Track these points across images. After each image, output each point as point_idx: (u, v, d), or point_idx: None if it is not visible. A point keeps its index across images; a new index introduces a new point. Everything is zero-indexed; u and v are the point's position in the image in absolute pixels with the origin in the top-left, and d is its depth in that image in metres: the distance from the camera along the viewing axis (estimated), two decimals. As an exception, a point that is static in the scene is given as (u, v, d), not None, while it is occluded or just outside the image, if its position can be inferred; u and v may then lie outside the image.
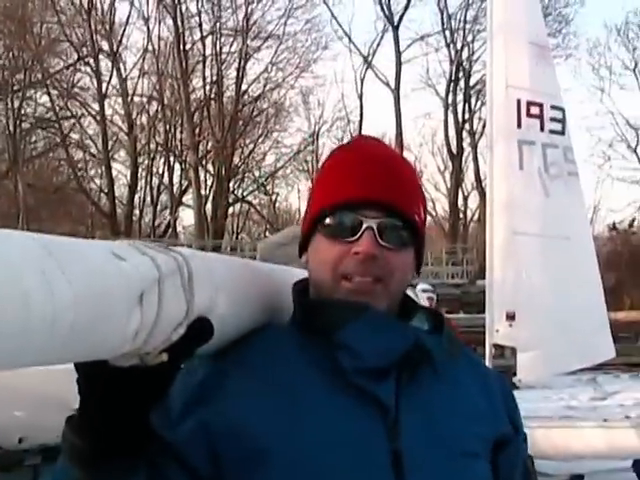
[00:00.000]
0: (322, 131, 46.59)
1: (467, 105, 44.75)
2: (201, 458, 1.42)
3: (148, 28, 42.71)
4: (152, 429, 1.32)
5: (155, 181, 45.37)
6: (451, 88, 44.61)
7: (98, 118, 41.75)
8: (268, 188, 47.89)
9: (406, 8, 43.91)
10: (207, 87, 43.19)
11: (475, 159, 43.31)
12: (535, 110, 9.91)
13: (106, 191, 42.70)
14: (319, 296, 1.57)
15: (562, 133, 10.12)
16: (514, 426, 1.66)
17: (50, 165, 44.29)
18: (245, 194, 46.76)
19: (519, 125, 9.84)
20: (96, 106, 42.05)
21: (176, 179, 44.47)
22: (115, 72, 42.22)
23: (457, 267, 37.59)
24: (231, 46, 43.39)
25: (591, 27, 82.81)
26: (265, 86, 44.12)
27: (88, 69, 42.55)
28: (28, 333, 0.93)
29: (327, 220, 1.55)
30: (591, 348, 9.76)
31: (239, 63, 42.93)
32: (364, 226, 1.51)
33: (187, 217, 46.62)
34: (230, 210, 45.60)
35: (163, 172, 44.89)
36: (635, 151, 45.32)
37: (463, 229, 46.38)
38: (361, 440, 1.44)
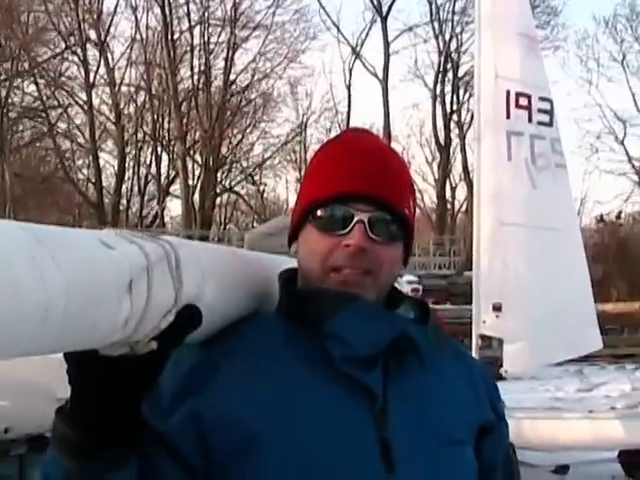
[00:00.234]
0: (310, 122, 46.56)
1: (455, 96, 44.77)
2: (192, 448, 1.42)
3: (136, 17, 42.58)
4: (143, 419, 1.32)
5: (143, 171, 45.27)
6: (439, 79, 44.59)
7: (85, 108, 41.57)
8: (256, 178, 47.87)
9: (394, -1, 43.90)
10: (195, 77, 43.02)
11: (463, 150, 43.38)
12: (524, 101, 9.93)
13: (93, 181, 42.55)
14: (307, 286, 1.58)
15: (550, 125, 10.14)
16: (497, 414, 1.68)
17: (37, 155, 44.13)
18: (233, 184, 46.69)
19: (508, 116, 9.85)
20: (83, 95, 41.90)
21: (164, 169, 44.42)
22: (103, 61, 42.04)
23: (444, 258, 37.64)
24: (219, 36, 43.28)
25: (579, 19, 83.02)
26: (253, 76, 44.01)
27: (75, 58, 42.33)
28: (21, 321, 0.94)
29: (318, 212, 1.57)
30: (578, 339, 9.80)
31: (227, 53, 42.83)
32: (355, 219, 1.53)
33: (175, 207, 46.50)
34: (218, 200, 45.52)
35: (151, 162, 44.81)
36: (622, 143, 45.46)
37: (451, 220, 46.42)
38: (350, 429, 1.45)
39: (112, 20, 42.53)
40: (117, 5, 42.37)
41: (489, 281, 9.81)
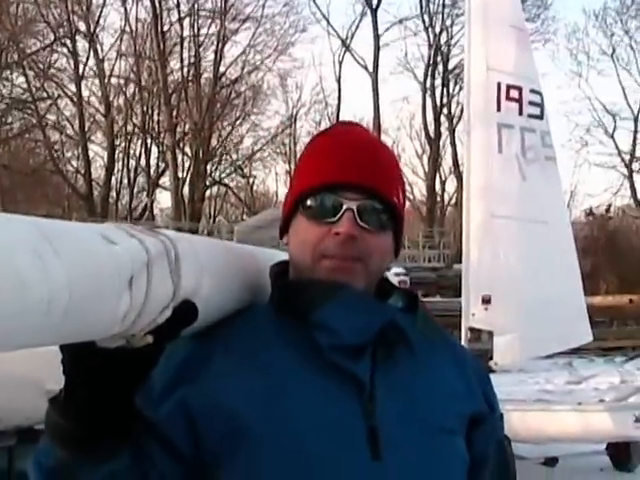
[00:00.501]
0: (300, 114, 46.64)
1: (445, 89, 44.82)
2: (182, 437, 1.44)
3: (125, 9, 42.53)
4: (136, 410, 1.33)
5: (132, 163, 45.23)
6: (429, 72, 44.62)
7: (75, 99, 41.46)
8: (245, 171, 47.89)
9: (385, -9, 43.88)
10: (185, 69, 42.97)
11: (453, 143, 43.40)
12: (514, 94, 9.93)
13: (83, 173, 42.46)
14: (299, 277, 1.60)
15: (540, 117, 10.15)
16: (489, 405, 1.68)
17: (26, 146, 43.96)
18: (222, 177, 46.71)
19: (499, 108, 9.85)
20: (73, 87, 41.77)
21: (153, 161, 44.38)
22: (92, 53, 41.98)
23: (434, 251, 37.73)
24: (209, 28, 43.23)
25: (570, 12, 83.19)
26: (243, 69, 44.02)
27: (65, 50, 42.24)
28: (24, 314, 0.95)
29: (308, 202, 1.58)
30: (568, 332, 9.83)
31: (217, 45, 42.77)
32: (344, 207, 1.54)
33: (164, 199, 46.60)
34: (207, 193, 45.53)
35: (140, 154, 44.74)
36: (612, 137, 45.60)
37: (440, 213, 46.51)
38: (337, 418, 1.46)
39: (101, 12, 42.51)
40: (107, -4, 42.24)
41: (478, 274, 9.83)
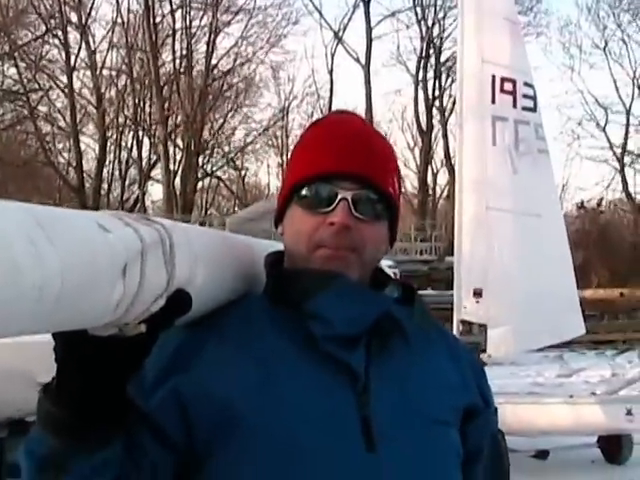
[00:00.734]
0: (292, 106, 46.61)
1: (437, 82, 44.82)
2: (174, 426, 1.43)
3: (117, 1, 42.36)
4: (129, 399, 1.32)
5: (124, 155, 45.16)
6: (421, 65, 44.64)
7: (66, 91, 41.36)
8: (237, 163, 47.85)
9: (378, -16, 43.87)
10: (177, 61, 42.90)
11: (445, 136, 43.42)
12: (509, 86, 9.95)
13: (74, 165, 42.38)
14: (293, 266, 1.59)
15: (534, 110, 10.17)
16: (484, 399, 1.68)
17: (18, 138, 43.86)
18: (214, 169, 46.66)
19: (493, 101, 9.86)
20: (64, 79, 41.66)
21: (145, 153, 44.30)
22: (84, 45, 41.86)
23: (426, 243, 37.76)
24: (201, 20, 43.14)
25: (562, 5, 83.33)
26: (235, 61, 43.95)
27: (56, 41, 42.13)
28: (15, 301, 0.94)
29: (303, 191, 1.58)
30: (561, 325, 9.86)
31: (209, 37, 42.71)
32: (339, 197, 1.54)
33: (156, 192, 46.58)
34: (199, 185, 45.49)
35: (132, 146, 44.67)
36: (604, 130, 45.65)
37: (432, 206, 46.55)
38: (331, 408, 1.46)
39: (93, 3, 42.42)
40: (98, -13, 42.16)
41: (470, 267, 9.85)
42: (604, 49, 45.65)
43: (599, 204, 46.43)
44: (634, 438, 10.12)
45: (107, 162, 43.63)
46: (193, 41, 43.09)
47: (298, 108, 47.30)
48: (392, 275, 1.76)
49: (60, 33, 41.49)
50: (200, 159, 43.88)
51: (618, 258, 40.78)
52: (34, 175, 41.45)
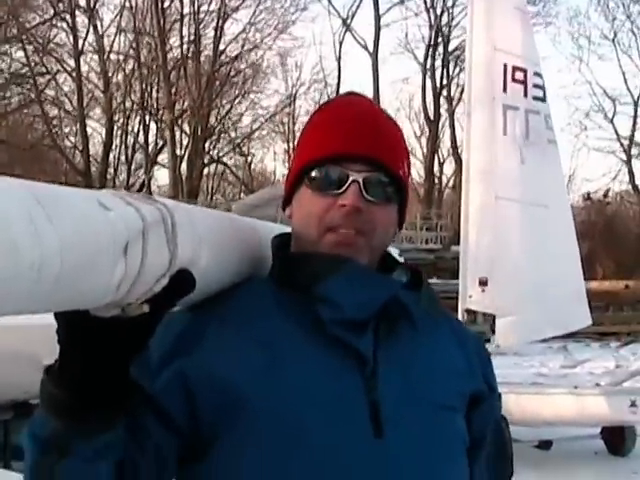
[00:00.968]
0: (299, 93, 46.57)
1: (445, 71, 44.74)
2: (178, 409, 1.42)
3: (126, -16, 42.26)
4: (133, 380, 1.31)
5: (130, 140, 45.19)
6: (430, 53, 44.57)
7: (74, 75, 41.36)
8: (244, 149, 47.80)
9: (387, -29, 43.73)
10: (184, 46, 42.83)
11: (452, 125, 43.37)
12: (520, 75, 9.93)
13: (81, 149, 42.43)
14: (301, 250, 1.58)
15: (544, 100, 10.15)
16: (489, 385, 1.67)
17: (25, 121, 43.86)
18: (220, 155, 46.62)
19: (505, 90, 9.83)
20: (72, 62, 41.66)
21: (151, 138, 44.32)
22: (92, 29, 41.86)
23: (431, 233, 37.73)
24: (209, 5, 43.10)
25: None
26: (243, 46, 43.88)
27: (64, 25, 42.08)
28: (14, 280, 0.93)
29: (313, 173, 1.56)
30: (567, 316, 9.85)
31: (217, 22, 42.66)
32: (350, 179, 1.53)
33: (162, 177, 46.59)
34: (205, 171, 45.48)
35: (138, 131, 44.73)
36: (612, 121, 45.56)
37: (438, 195, 46.51)
38: (339, 392, 1.45)
39: (102, -13, 42.23)
40: (107, -28, 42.06)
41: (476, 256, 9.84)
42: (613, 40, 45.58)
43: (605, 195, 46.40)
44: (637, 430, 10.13)
45: (113, 146, 43.71)
46: (201, 26, 43.05)
47: (305, 95, 47.24)
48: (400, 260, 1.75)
49: (68, 17, 41.45)
50: (206, 145, 43.88)
51: (624, 250, 40.77)
52: (41, 158, 41.48)
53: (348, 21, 44.72)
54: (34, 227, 0.95)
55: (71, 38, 41.52)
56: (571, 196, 41.94)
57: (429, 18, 44.58)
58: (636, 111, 45.02)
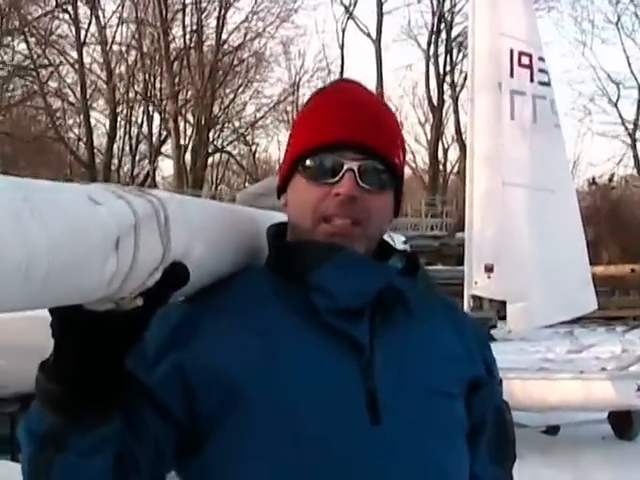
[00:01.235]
0: (303, 82, 46.38)
1: (449, 57, 44.64)
2: (175, 400, 1.42)
3: (127, -25, 42.16)
4: (129, 373, 1.31)
5: (134, 130, 45.10)
6: (433, 40, 44.42)
7: (76, 66, 41.30)
8: (248, 138, 47.75)
9: (388, -42, 43.60)
10: (187, 36, 42.70)
11: (456, 112, 43.31)
12: (526, 60, 9.92)
13: (84, 140, 42.40)
14: (296, 238, 1.58)
15: (549, 85, 10.14)
16: (488, 371, 1.67)
17: (28, 114, 43.81)
18: (225, 144, 46.55)
19: (511, 75, 9.82)
20: (74, 54, 41.59)
21: (155, 129, 44.21)
22: (94, 20, 41.74)
23: (436, 219, 37.68)
24: (211, -6, 42.92)
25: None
26: (245, 35, 43.73)
27: (66, 16, 41.96)
28: (2, 279, 0.92)
29: (308, 162, 1.56)
30: (574, 300, 9.86)
31: (219, 12, 42.51)
32: (345, 168, 1.52)
33: (166, 167, 46.43)
34: (209, 160, 45.42)
35: (142, 121, 44.64)
36: (616, 106, 45.40)
37: (443, 182, 46.45)
38: (336, 381, 1.45)
39: (103, -23, 42.14)
40: (108, -38, 41.98)
41: (481, 242, 9.84)
42: (617, 24, 45.31)
43: (610, 180, 46.29)
44: (645, 414, 10.13)
45: (117, 137, 43.61)
46: (203, 16, 42.92)
47: (309, 83, 47.00)
48: (393, 245, 1.74)
49: (70, 8, 41.34)
50: (210, 134, 43.79)
51: (629, 234, 40.69)
52: (44, 150, 41.46)
53: (350, 9, 44.69)
54: (22, 227, 0.94)
55: (73, 29, 41.44)
56: (576, 181, 41.92)
57: (431, 4, 44.45)
58: (640, 95, 44.87)
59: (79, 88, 41.29)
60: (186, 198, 1.42)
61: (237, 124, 46.21)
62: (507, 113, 9.80)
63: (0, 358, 6.24)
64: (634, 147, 44.83)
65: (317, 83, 45.73)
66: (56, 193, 1.06)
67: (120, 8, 42.43)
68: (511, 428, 1.77)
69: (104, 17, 42.31)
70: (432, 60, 44.41)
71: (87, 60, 41.94)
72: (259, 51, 44.76)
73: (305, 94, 45.19)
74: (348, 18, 44.76)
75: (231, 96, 45.15)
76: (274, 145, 52.28)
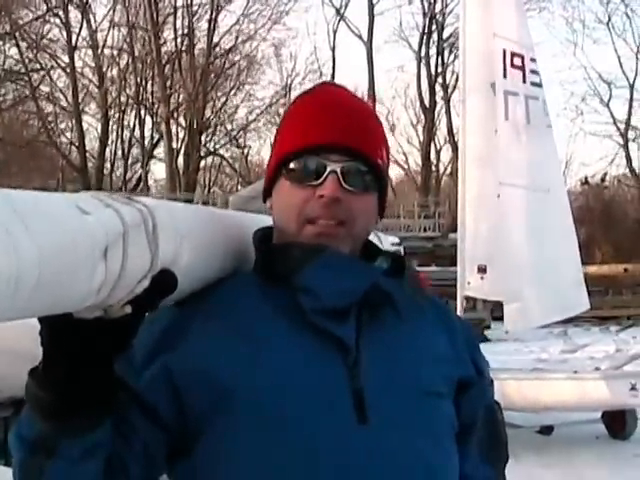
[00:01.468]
0: (294, 84, 46.38)
1: (440, 58, 44.67)
2: (164, 403, 1.43)
3: (118, -21, 42.12)
4: (118, 379, 1.31)
5: (126, 134, 45.10)
6: (424, 41, 44.46)
7: (68, 70, 41.29)
8: (240, 141, 47.73)
9: (379, -41, 43.62)
10: (178, 39, 42.70)
11: (448, 112, 43.35)
12: (518, 61, 9.96)
13: (77, 144, 42.35)
14: (283, 241, 1.58)
15: (540, 85, 10.17)
16: (478, 370, 1.67)
17: (20, 118, 43.76)
18: (217, 147, 46.56)
19: (505, 75, 9.84)
20: (66, 58, 41.58)
21: (147, 132, 44.24)
22: (85, 24, 41.76)
23: (429, 220, 37.69)
24: (203, -3, 42.91)
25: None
26: (237, 38, 43.75)
27: (57, 20, 41.97)
28: None
29: (291, 165, 1.57)
30: (567, 300, 9.87)
31: (210, 15, 42.50)
32: (328, 170, 1.53)
33: (159, 170, 46.47)
34: (202, 163, 45.40)
35: (134, 125, 44.64)
36: (608, 105, 45.50)
37: (435, 183, 46.48)
38: (322, 381, 1.45)
39: (94, -19, 42.13)
40: (99, -34, 41.98)
41: (474, 243, 9.84)
42: (607, 24, 45.45)
43: (603, 179, 46.37)
44: (638, 413, 10.14)
45: (110, 141, 43.61)
46: (194, 19, 42.90)
47: (300, 85, 46.99)
48: (381, 246, 1.74)
49: (61, 12, 41.33)
50: (203, 137, 43.77)
51: (622, 234, 40.79)
52: (37, 155, 41.43)
53: (342, 10, 44.72)
54: (11, 239, 0.94)
55: (64, 34, 41.44)
56: (569, 181, 42.01)
57: (423, 6, 44.49)
58: (632, 94, 44.98)
59: (71, 92, 41.28)
60: (174, 204, 1.42)
61: (229, 127, 46.24)
62: (501, 114, 9.81)
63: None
64: (626, 147, 44.93)
65: (309, 85, 44.58)
66: (44, 204, 1.06)
67: (111, 12, 42.49)
68: (503, 428, 1.77)
69: (95, 21, 42.41)
70: (424, 61, 44.46)
71: (79, 64, 42.03)
72: (251, 54, 44.83)
73: (297, 96, 45.24)
74: (339, 20, 44.86)
75: (223, 99, 45.18)
76: (266, 148, 52.20)
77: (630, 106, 45.06)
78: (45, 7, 41.55)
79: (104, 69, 42.16)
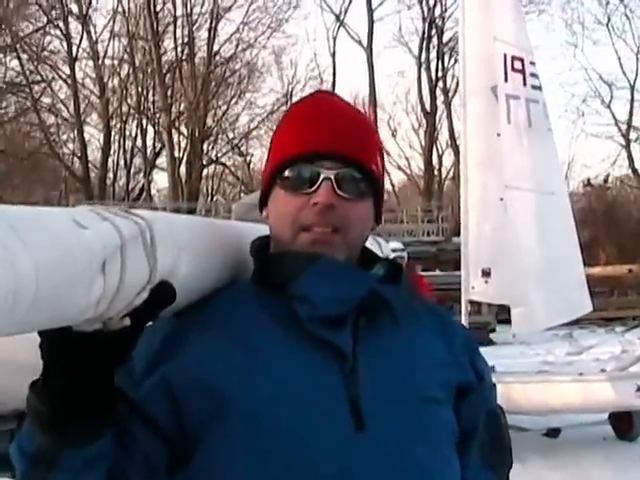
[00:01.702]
0: (295, 91, 46.46)
1: (440, 63, 44.71)
2: (164, 415, 1.43)
3: (118, -11, 42.22)
4: (118, 390, 1.31)
5: (128, 144, 45.23)
6: (424, 46, 44.50)
7: (69, 82, 41.41)
8: (242, 149, 47.78)
9: (378, -35, 43.66)
10: (179, 48, 42.85)
11: (449, 117, 43.36)
12: (518, 65, 9.97)
13: (79, 155, 42.46)
14: (279, 250, 1.59)
15: (540, 89, 10.18)
16: (478, 375, 1.66)
17: (22, 130, 43.84)
18: (219, 156, 46.61)
19: (506, 79, 9.85)
20: (67, 69, 41.72)
21: (149, 142, 44.34)
22: (85, 35, 41.91)
23: (432, 225, 37.68)
24: (202, 6, 43.05)
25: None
26: (237, 46, 43.87)
27: (58, 32, 42.14)
28: None
29: (285, 173, 1.57)
30: (571, 302, 9.85)
31: (210, 23, 42.63)
32: (322, 177, 1.53)
33: (161, 180, 46.61)
34: (204, 172, 45.48)
35: (136, 135, 44.74)
36: (609, 106, 45.49)
37: (438, 187, 46.48)
38: (319, 389, 1.45)
39: (94, -7, 42.21)
40: (98, -23, 42.10)
41: (478, 247, 9.84)
42: (607, 25, 45.45)
43: (605, 181, 46.34)
44: (645, 414, 10.12)
45: (112, 151, 43.72)
46: (194, 28, 43.02)
47: (301, 92, 47.04)
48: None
49: (61, 24, 41.49)
50: (205, 146, 43.87)
51: (626, 234, 40.72)
52: (39, 167, 41.48)
53: (341, 17, 44.78)
54: (8, 255, 0.94)
55: (65, 45, 41.58)
56: (571, 183, 42.00)
57: (422, 10, 44.57)
58: (633, 95, 44.97)
59: (72, 103, 41.41)
60: (172, 216, 1.43)
61: (231, 135, 46.34)
62: (504, 117, 9.82)
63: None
64: (628, 147, 44.90)
65: (310, 91, 45.81)
66: (41, 219, 1.06)
67: (111, 22, 42.60)
68: (506, 432, 1.75)
69: (95, 32, 42.56)
70: (424, 66, 44.51)
71: (79, 75, 42.16)
72: (251, 62, 44.95)
73: (298, 103, 45.28)
74: (339, 26, 44.92)
75: (224, 107, 45.25)
76: (268, 155, 52.30)
77: (631, 107, 45.08)
78: (45, 19, 41.70)
79: (105, 79, 42.26)
